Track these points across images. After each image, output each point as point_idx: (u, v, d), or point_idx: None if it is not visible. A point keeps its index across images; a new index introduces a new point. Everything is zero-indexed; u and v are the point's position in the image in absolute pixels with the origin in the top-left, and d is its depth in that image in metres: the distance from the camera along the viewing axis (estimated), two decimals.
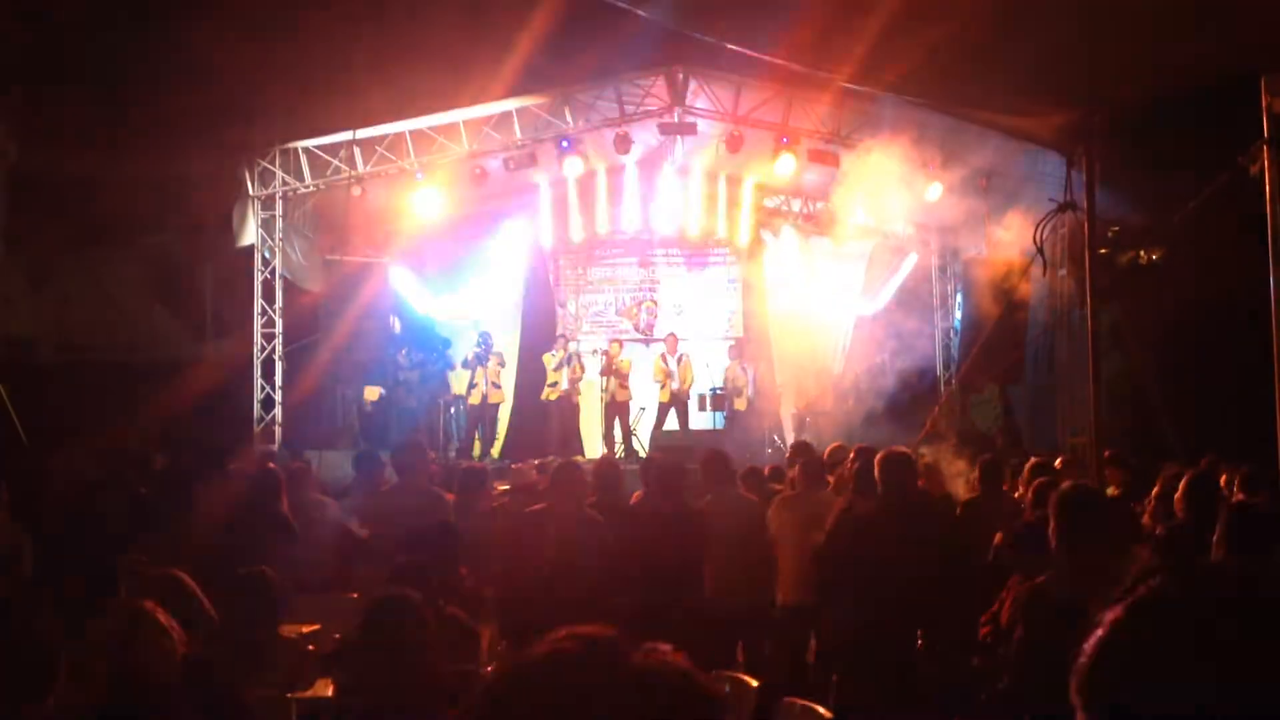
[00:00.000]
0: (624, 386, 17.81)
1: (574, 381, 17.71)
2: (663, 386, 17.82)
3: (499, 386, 18.01)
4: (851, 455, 8.94)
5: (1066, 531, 4.30)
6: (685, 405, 17.93)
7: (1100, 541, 4.26)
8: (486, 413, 18.03)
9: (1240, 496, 6.93)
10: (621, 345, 18.77)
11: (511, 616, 6.70)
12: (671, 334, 18.72)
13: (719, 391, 18.04)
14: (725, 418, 18.03)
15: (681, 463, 8.03)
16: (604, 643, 1.30)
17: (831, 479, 8.95)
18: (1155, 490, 7.50)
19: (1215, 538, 4.95)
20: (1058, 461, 10.11)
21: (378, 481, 9.12)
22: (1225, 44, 6.56)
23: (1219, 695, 1.18)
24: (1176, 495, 6.30)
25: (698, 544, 7.44)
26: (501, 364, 18.17)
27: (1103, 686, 1.25)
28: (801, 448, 10.23)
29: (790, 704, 5.12)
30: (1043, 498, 5.67)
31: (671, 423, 17.68)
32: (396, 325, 18.74)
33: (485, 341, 18.07)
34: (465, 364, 18.10)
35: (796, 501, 8.27)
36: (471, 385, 17.94)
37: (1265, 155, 7.70)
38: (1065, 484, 4.88)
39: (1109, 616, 1.29)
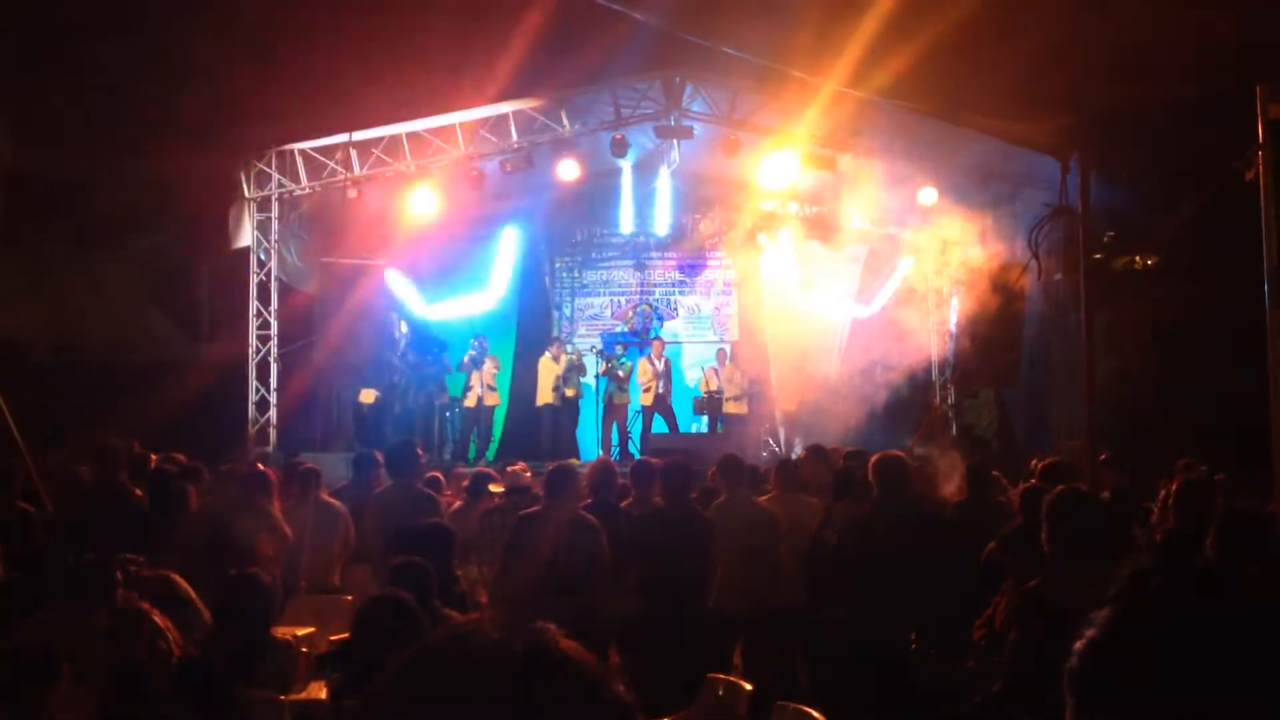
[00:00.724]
0: (622, 390, 17.83)
1: (569, 383, 17.71)
2: (647, 390, 17.83)
3: (494, 389, 18.01)
4: (841, 459, 8.98)
5: (1059, 535, 4.32)
6: (670, 409, 17.92)
7: (1093, 545, 4.28)
8: (482, 415, 18.03)
9: (1225, 499, 6.95)
10: (625, 348, 18.82)
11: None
12: (657, 338, 18.77)
13: (715, 395, 18.06)
14: (720, 420, 18.05)
15: (686, 464, 8.03)
16: (490, 627, 1.33)
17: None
18: (1160, 495, 7.52)
19: (1209, 540, 4.97)
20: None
21: (373, 483, 9.14)
22: (1221, 51, 6.58)
23: (1208, 695, 1.19)
24: (1169, 500, 6.31)
25: (702, 546, 7.43)
26: (497, 366, 18.16)
27: (1093, 686, 1.26)
28: (814, 450, 10.20)
29: (783, 706, 5.13)
30: (1034, 501, 5.68)
31: (659, 426, 17.68)
32: (404, 328, 18.69)
33: (481, 344, 18.07)
34: (460, 366, 18.11)
35: (771, 505, 8.27)
36: (467, 388, 17.95)
37: (1260, 161, 7.71)
38: (1058, 487, 4.89)
39: (1100, 617, 1.30)
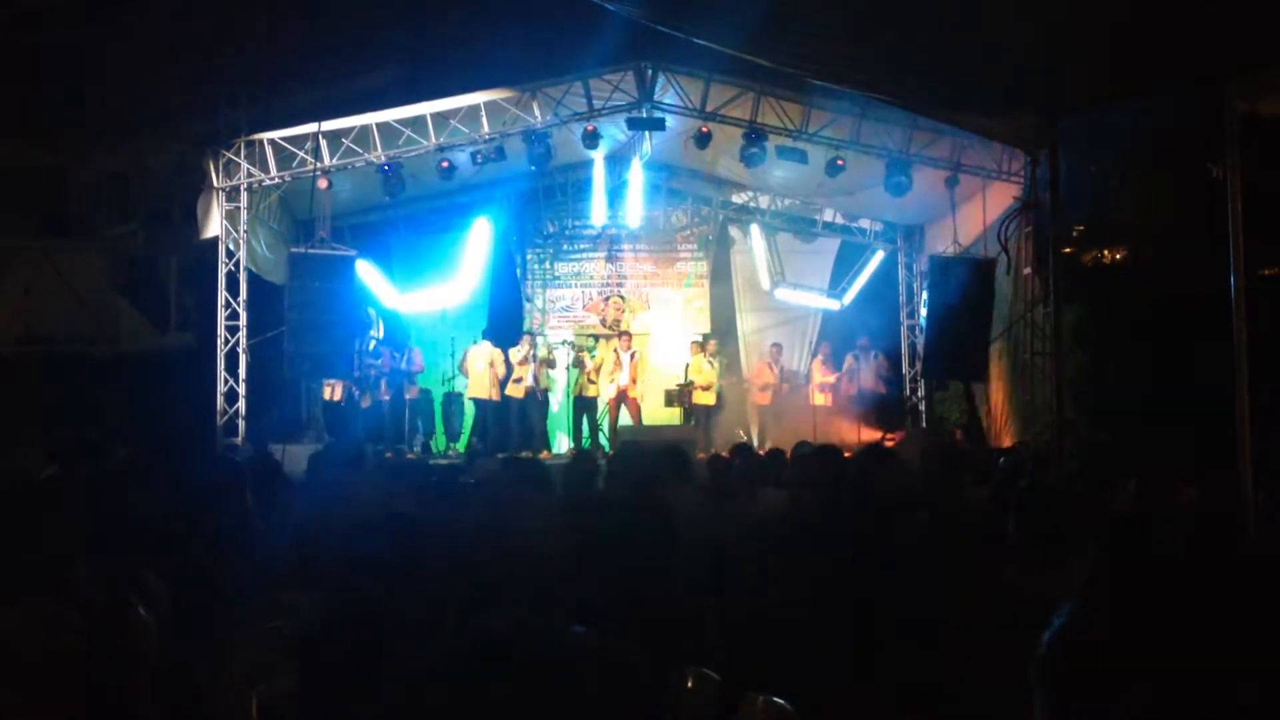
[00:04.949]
0: (592, 382, 17.81)
1: (539, 376, 17.67)
2: (611, 381, 17.84)
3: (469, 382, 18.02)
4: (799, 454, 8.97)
5: (1025, 527, 4.33)
6: (636, 401, 17.92)
7: (1059, 538, 4.29)
8: (455, 406, 18.01)
9: (1192, 496, 7.00)
10: (597, 341, 18.82)
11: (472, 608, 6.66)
12: (625, 331, 18.78)
13: (686, 386, 18.08)
14: (691, 412, 18.07)
15: (656, 454, 8.00)
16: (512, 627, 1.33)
17: None
18: (1120, 489, 7.55)
19: (1172, 535, 5.00)
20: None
21: (337, 474, 9.08)
22: (1191, 47, 6.60)
23: (1175, 688, 1.19)
24: (1132, 494, 6.35)
25: (667, 536, 7.42)
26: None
27: (1061, 677, 1.26)
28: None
29: (752, 697, 5.12)
30: (1003, 493, 5.71)
31: (624, 419, 17.69)
32: (379, 329, 18.61)
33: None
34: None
35: (741, 499, 8.27)
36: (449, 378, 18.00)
37: (1228, 158, 7.75)
38: (1025, 482, 4.92)
39: (1068, 609, 1.30)
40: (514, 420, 17.61)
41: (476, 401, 17.70)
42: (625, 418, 17.76)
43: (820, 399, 18.48)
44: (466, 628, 1.39)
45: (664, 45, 14.32)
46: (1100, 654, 1.26)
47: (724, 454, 9.93)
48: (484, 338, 18.14)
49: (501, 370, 17.55)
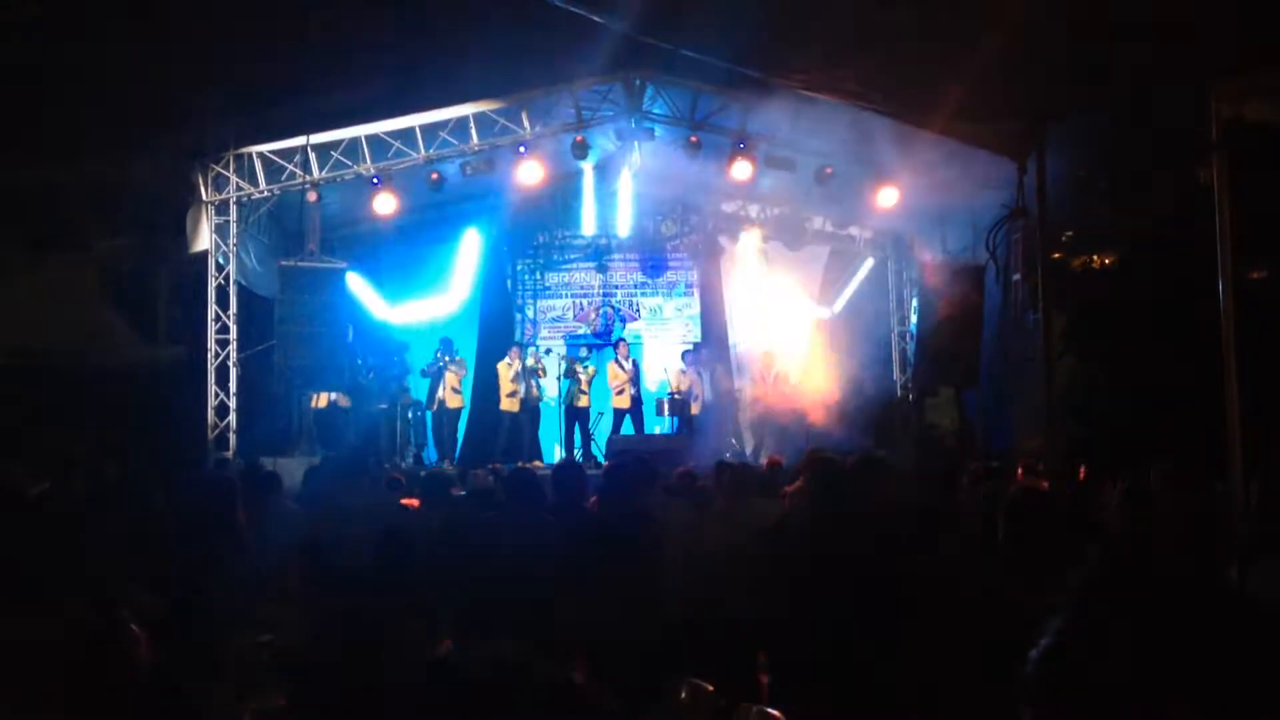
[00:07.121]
0: (583, 392, 17.81)
1: (532, 388, 17.64)
2: (621, 393, 17.81)
3: (459, 392, 17.97)
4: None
5: (1016, 535, 4.33)
6: (640, 411, 17.94)
7: (1050, 545, 4.29)
8: (445, 418, 17.99)
9: (1179, 502, 6.99)
10: (590, 350, 18.82)
11: (466, 623, 6.64)
12: (621, 340, 18.78)
13: (678, 396, 18.08)
14: (684, 421, 18.07)
15: (650, 466, 7.99)
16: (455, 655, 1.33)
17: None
18: (1112, 495, 7.54)
19: (1162, 542, 5.00)
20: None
21: (331, 487, 9.06)
22: (1175, 52, 6.62)
23: (1162, 696, 1.19)
24: (1116, 501, 6.34)
25: (655, 548, 7.41)
26: (463, 370, 18.11)
27: (1050, 687, 1.26)
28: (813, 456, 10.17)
29: (747, 708, 5.12)
30: (993, 501, 5.70)
31: (627, 428, 17.69)
32: (350, 335, 18.61)
33: (446, 348, 18.03)
34: (424, 372, 18.06)
35: (728, 510, 8.25)
36: (433, 391, 17.93)
37: (1215, 162, 7.76)
38: (1015, 487, 4.91)
39: (1057, 620, 1.30)
40: (504, 432, 17.57)
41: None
42: (628, 427, 17.76)
43: (808, 407, 18.46)
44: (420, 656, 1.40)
45: (652, 56, 14.34)
46: (1086, 675, 1.26)
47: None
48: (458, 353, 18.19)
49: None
